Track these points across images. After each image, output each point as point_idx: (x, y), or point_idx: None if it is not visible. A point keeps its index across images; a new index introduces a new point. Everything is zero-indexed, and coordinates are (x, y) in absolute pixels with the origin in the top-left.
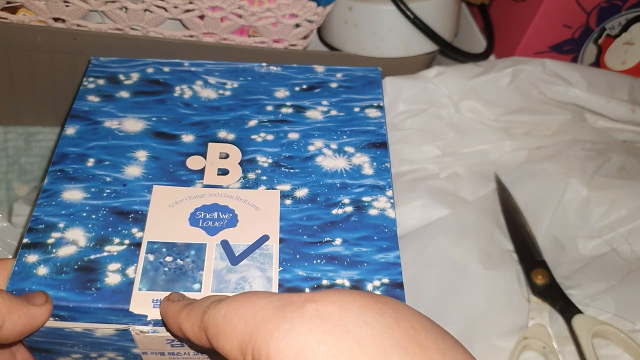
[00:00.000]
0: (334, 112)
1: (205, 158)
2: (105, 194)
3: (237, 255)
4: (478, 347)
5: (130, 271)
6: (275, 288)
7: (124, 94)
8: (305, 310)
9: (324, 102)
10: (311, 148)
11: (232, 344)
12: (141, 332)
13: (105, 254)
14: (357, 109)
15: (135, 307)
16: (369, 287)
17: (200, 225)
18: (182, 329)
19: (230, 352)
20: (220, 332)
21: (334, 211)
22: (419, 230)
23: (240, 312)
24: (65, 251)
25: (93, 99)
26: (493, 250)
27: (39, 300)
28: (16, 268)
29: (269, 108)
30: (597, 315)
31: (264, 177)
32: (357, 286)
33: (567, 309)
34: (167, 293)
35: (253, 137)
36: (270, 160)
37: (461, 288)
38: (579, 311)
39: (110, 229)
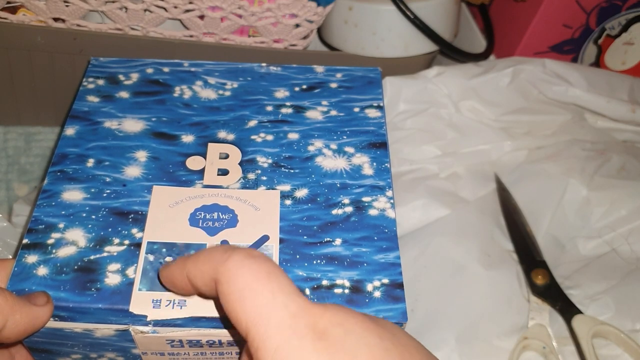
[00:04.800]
0: (333, 112)
1: (205, 158)
2: (105, 195)
3: None
4: (478, 347)
5: (130, 271)
6: None
7: (124, 95)
8: (316, 331)
9: (324, 102)
10: (311, 148)
11: (239, 319)
12: (141, 332)
13: (105, 254)
14: (357, 109)
15: (135, 308)
16: (369, 287)
17: (200, 225)
18: (190, 277)
19: (236, 322)
20: (232, 298)
21: (334, 211)
22: (419, 230)
23: (258, 298)
24: (65, 252)
25: (93, 99)
26: (493, 250)
27: (40, 300)
28: (16, 268)
29: (269, 108)
30: (597, 315)
31: (264, 178)
32: (357, 287)
33: (567, 309)
34: (167, 293)
35: (253, 137)
36: (270, 161)
37: (461, 288)
38: (579, 311)
39: (110, 230)
